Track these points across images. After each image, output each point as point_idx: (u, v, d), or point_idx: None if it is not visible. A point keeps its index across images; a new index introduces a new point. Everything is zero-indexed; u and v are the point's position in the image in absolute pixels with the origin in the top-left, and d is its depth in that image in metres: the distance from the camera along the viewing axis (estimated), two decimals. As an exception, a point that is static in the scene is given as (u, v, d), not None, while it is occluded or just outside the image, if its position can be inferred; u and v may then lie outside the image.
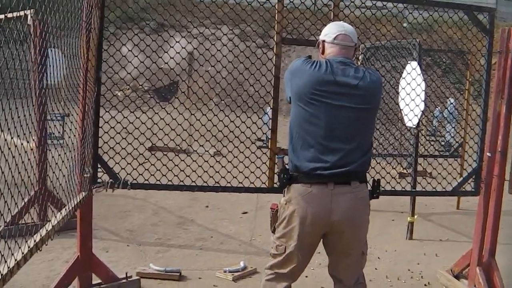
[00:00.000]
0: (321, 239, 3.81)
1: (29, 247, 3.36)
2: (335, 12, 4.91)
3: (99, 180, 4.65)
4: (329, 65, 3.63)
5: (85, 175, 4.50)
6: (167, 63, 4.91)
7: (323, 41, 3.83)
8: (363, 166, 3.71)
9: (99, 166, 4.64)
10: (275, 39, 4.80)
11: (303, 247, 3.70)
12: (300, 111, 3.66)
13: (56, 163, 4.10)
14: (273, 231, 3.85)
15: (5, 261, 3.03)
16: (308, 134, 3.63)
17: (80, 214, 4.68)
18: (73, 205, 4.23)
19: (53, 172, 4.06)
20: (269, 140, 4.86)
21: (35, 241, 3.46)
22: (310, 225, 3.62)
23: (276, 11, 4.80)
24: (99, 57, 4.54)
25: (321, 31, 4.67)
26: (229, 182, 4.80)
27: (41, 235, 3.58)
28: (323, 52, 3.83)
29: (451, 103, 12.45)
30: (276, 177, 4.63)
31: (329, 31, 3.82)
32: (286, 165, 3.83)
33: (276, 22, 4.80)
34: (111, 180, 4.63)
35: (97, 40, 4.50)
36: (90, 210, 4.75)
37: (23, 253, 3.25)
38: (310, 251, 3.78)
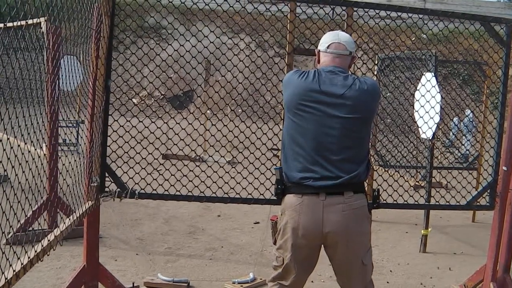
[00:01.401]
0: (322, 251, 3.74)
1: (36, 251, 3.34)
2: (348, 22, 4.85)
3: (106, 189, 4.60)
4: (317, 75, 3.60)
5: (92, 184, 4.47)
6: (188, 73, 4.88)
7: (319, 50, 3.80)
8: (358, 177, 3.61)
9: (106, 175, 4.59)
10: (286, 49, 4.76)
11: (298, 258, 3.64)
12: (289, 121, 3.65)
13: (67, 170, 4.09)
14: (274, 243, 3.81)
15: (10, 265, 3.03)
16: (297, 145, 3.60)
17: (87, 223, 4.63)
18: (79, 213, 4.20)
19: (64, 179, 4.05)
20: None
21: (42, 246, 3.44)
22: (302, 236, 3.57)
23: (288, 21, 4.75)
24: (108, 66, 4.50)
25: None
26: (238, 193, 4.74)
27: (48, 240, 3.55)
28: (318, 62, 3.80)
29: (468, 115, 12.34)
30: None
31: (324, 40, 3.79)
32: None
33: (288, 32, 4.75)
34: (118, 189, 4.59)
35: (106, 49, 4.46)
36: (97, 219, 4.71)
37: (29, 257, 3.24)
38: (308, 263, 3.72)
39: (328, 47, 3.72)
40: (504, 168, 5.13)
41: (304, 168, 3.57)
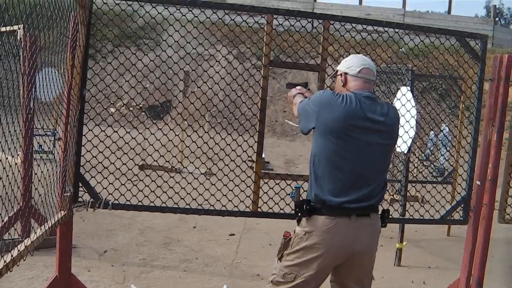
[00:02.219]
0: None
1: (5, 261, 3.29)
2: (325, 35, 4.86)
3: (80, 199, 4.56)
4: (359, 101, 3.66)
5: (65, 194, 4.43)
6: (164, 84, 4.85)
7: (345, 73, 3.86)
8: (381, 199, 3.81)
9: (80, 185, 4.55)
10: (262, 61, 4.76)
11: (318, 278, 3.72)
12: (330, 144, 3.66)
13: (39, 180, 4.05)
14: (280, 258, 3.82)
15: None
16: (337, 168, 3.65)
17: (59, 233, 4.58)
18: (52, 223, 4.16)
19: (36, 189, 4.01)
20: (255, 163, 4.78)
21: (12, 256, 3.40)
22: (332, 256, 3.66)
23: (265, 33, 4.75)
24: (83, 75, 4.47)
25: (310, 54, 4.66)
26: (212, 205, 4.72)
27: (19, 250, 3.51)
28: (344, 85, 3.86)
29: (443, 130, 12.42)
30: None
31: (352, 64, 3.86)
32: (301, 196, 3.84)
33: (264, 44, 4.75)
34: (92, 199, 4.55)
35: (82, 58, 4.44)
36: (70, 229, 4.66)
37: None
38: (322, 281, 3.80)
39: (359, 72, 3.82)
40: (478, 182, 5.15)
41: (341, 191, 3.64)
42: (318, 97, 3.78)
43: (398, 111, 4.01)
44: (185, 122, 5.02)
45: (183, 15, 4.60)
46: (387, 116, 3.73)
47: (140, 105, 18.03)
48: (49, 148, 10.37)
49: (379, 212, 3.88)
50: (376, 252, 3.87)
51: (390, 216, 5.19)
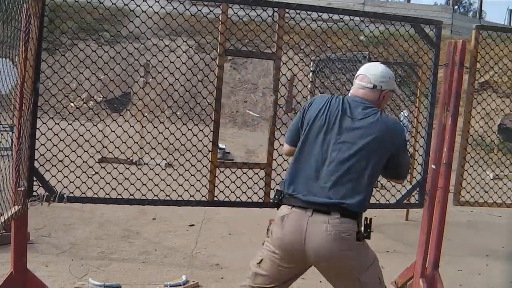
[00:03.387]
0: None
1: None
2: (280, 23, 4.86)
3: (34, 193, 4.50)
4: (341, 102, 3.74)
5: (19, 188, 4.36)
6: (119, 75, 4.81)
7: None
8: (348, 204, 3.55)
9: (34, 179, 4.49)
10: (218, 51, 4.74)
11: (272, 269, 3.69)
12: (302, 137, 3.77)
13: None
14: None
15: None
16: (301, 160, 3.72)
17: (14, 228, 4.52)
18: (4, 219, 4.10)
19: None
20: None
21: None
22: (283, 247, 3.62)
23: (220, 22, 4.74)
24: (37, 68, 4.41)
25: (265, 43, 4.69)
26: (168, 196, 4.70)
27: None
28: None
29: (404, 116, 12.56)
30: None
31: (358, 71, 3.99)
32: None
33: (219, 33, 4.74)
34: (46, 193, 4.49)
35: (35, 50, 4.37)
36: (24, 223, 4.59)
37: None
38: (278, 276, 3.72)
39: (356, 77, 3.92)
40: (433, 166, 5.23)
41: (299, 182, 3.67)
42: (313, 98, 3.94)
43: (395, 124, 3.85)
44: (143, 114, 4.99)
45: (137, 6, 4.57)
46: (364, 120, 3.66)
47: (99, 99, 17.86)
48: (7, 142, 10.24)
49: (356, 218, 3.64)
50: (353, 259, 3.58)
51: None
